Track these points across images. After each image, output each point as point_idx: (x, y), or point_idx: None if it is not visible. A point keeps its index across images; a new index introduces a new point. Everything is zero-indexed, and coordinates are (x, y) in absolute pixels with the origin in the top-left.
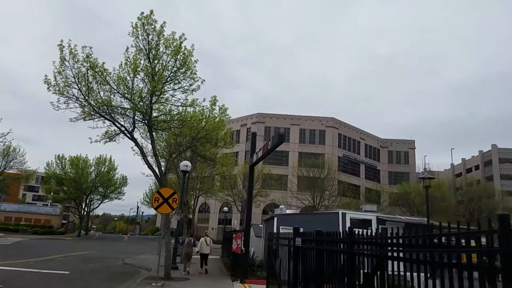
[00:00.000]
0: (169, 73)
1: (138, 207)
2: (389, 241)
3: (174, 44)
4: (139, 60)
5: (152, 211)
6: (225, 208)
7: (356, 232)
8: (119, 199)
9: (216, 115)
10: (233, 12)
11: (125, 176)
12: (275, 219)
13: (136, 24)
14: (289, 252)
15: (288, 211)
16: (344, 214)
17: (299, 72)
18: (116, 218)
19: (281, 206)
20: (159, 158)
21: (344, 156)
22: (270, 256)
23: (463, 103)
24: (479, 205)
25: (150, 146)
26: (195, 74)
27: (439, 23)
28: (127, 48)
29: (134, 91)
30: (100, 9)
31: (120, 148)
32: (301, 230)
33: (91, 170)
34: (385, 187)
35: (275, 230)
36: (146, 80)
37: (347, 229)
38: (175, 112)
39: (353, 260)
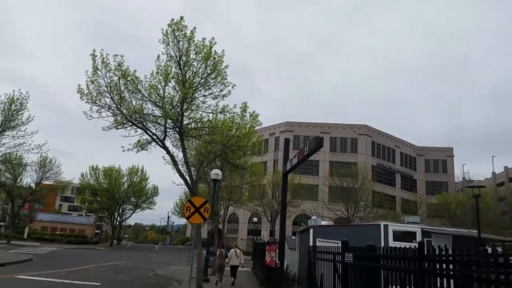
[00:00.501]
0: (199, 79)
1: (168, 217)
2: (479, 259)
3: (205, 50)
4: (170, 67)
5: (183, 221)
6: (255, 219)
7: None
8: (151, 208)
9: (246, 122)
10: (251, 22)
11: (156, 186)
12: (311, 231)
13: (166, 31)
14: (335, 269)
15: (323, 222)
16: (386, 226)
17: (322, 80)
18: (147, 228)
19: (313, 217)
20: (190, 166)
21: (378, 165)
22: (311, 272)
23: (504, 108)
24: None
25: (181, 155)
26: (225, 79)
27: (472, 27)
28: (158, 56)
29: (166, 99)
30: (125, 26)
31: (151, 159)
32: (340, 243)
33: (124, 180)
34: (422, 197)
35: (311, 243)
36: (177, 88)
37: (390, 242)
38: (205, 119)
39: (425, 282)
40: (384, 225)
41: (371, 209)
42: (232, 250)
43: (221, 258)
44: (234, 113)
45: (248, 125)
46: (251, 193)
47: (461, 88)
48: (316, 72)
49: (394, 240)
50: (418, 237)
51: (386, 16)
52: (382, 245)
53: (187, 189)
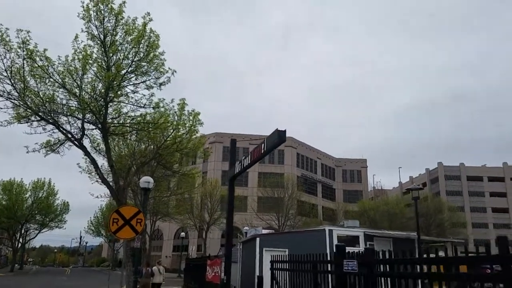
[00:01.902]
0: (130, 62)
1: (81, 237)
2: None
3: (137, 29)
4: (91, 48)
5: (97, 241)
6: (182, 233)
7: None
8: (60, 227)
9: (185, 120)
10: (187, 37)
11: (67, 202)
12: (257, 240)
13: (87, 5)
14: (315, 282)
15: (264, 231)
16: (331, 231)
17: (252, 97)
18: (56, 250)
19: (245, 228)
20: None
21: (302, 175)
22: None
23: (406, 125)
24: (434, 219)
25: (102, 161)
26: (162, 64)
27: (384, 56)
28: (76, 36)
29: (85, 87)
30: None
31: (61, 170)
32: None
33: (27, 195)
34: (341, 205)
35: (257, 254)
36: (99, 75)
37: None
38: (137, 114)
39: None
40: (329, 230)
41: (299, 217)
42: (155, 267)
43: (148, 277)
44: (171, 109)
45: (187, 124)
46: (182, 205)
47: (374, 108)
48: (247, 88)
49: None
50: (362, 241)
51: (315, 44)
52: (328, 250)
53: (105, 204)
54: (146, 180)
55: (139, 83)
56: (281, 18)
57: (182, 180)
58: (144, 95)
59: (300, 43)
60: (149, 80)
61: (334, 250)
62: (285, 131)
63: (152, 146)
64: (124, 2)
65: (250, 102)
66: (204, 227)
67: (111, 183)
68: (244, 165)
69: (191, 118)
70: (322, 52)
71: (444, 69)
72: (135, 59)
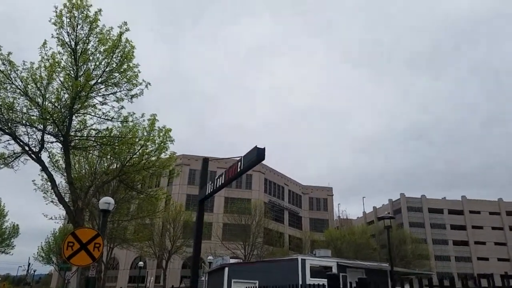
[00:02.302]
0: (101, 72)
1: (29, 264)
2: None
3: (111, 39)
4: (61, 56)
5: (46, 269)
6: (140, 263)
7: None
8: (7, 253)
9: (154, 137)
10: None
11: (16, 225)
12: (226, 270)
13: (61, 10)
14: None
15: (231, 260)
16: (303, 261)
17: (220, 119)
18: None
19: (209, 257)
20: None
21: (269, 201)
22: None
23: (373, 157)
24: (399, 251)
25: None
26: (136, 76)
27: (351, 87)
28: (45, 42)
29: (49, 95)
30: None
31: (10, 192)
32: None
33: None
34: (308, 234)
35: (225, 285)
36: (66, 84)
37: (307, 279)
38: (103, 128)
39: None
40: (301, 259)
41: (266, 247)
42: None
43: None
44: (140, 124)
45: (157, 141)
46: (142, 231)
47: (339, 137)
48: (214, 110)
49: (311, 276)
50: (334, 271)
51: (284, 67)
52: (300, 281)
53: (58, 227)
54: (106, 201)
55: (109, 94)
56: (250, 42)
57: (145, 202)
58: (114, 107)
59: (268, 68)
60: (120, 91)
61: (307, 282)
62: (264, 149)
63: (115, 165)
64: (100, 10)
65: (213, 126)
66: (164, 256)
67: (68, 203)
68: (217, 185)
69: (161, 134)
70: (290, 79)
71: (402, 105)
72: (106, 69)
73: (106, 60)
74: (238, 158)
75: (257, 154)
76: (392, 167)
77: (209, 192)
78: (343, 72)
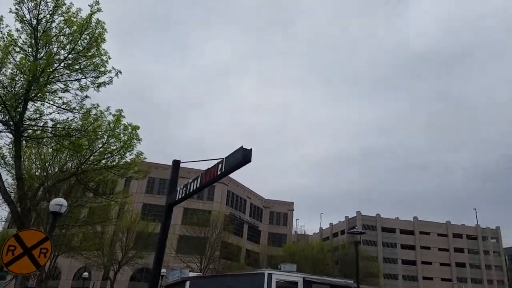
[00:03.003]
0: (66, 54)
1: None
2: None
3: (79, 20)
4: (18, 33)
5: None
6: (85, 273)
7: None
8: None
9: (119, 133)
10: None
11: None
12: (187, 284)
13: None
14: None
15: (191, 274)
16: (270, 275)
17: (184, 130)
18: None
19: (163, 270)
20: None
21: (230, 214)
22: None
23: (328, 175)
24: (351, 268)
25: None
26: (106, 62)
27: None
28: (1, 18)
29: (1, 77)
30: None
31: None
32: None
33: None
34: (265, 248)
35: None
36: (24, 65)
37: None
38: (63, 118)
39: None
40: (268, 273)
41: (223, 261)
42: None
43: None
44: (104, 118)
45: (123, 138)
46: (92, 239)
47: (301, 153)
48: (180, 121)
49: None
50: (300, 287)
51: (248, 87)
52: None
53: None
54: (58, 203)
55: (72, 81)
56: (212, 59)
57: (98, 208)
58: (77, 95)
59: (230, 85)
60: (85, 78)
61: None
62: (251, 150)
63: (70, 164)
64: None
65: (173, 136)
66: (113, 266)
67: (14, 201)
68: (191, 190)
69: (127, 132)
70: (252, 96)
71: (359, 127)
72: (72, 53)
73: (71, 44)
74: (218, 160)
75: (243, 156)
76: (350, 187)
77: (181, 196)
78: (301, 93)
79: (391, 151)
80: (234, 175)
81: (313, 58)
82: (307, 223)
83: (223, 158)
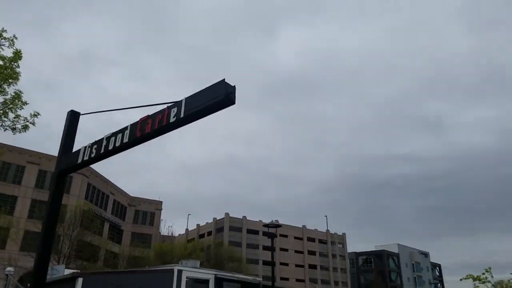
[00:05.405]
0: None
1: None
2: None
3: None
4: None
5: None
6: None
7: None
8: None
9: None
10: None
11: None
12: (80, 281)
13: None
14: None
15: (67, 271)
16: (180, 272)
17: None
18: None
19: (7, 269)
20: None
21: (90, 210)
22: None
23: (196, 179)
24: (227, 267)
25: None
26: None
27: None
28: None
29: None
30: None
31: None
32: None
33: None
34: (127, 249)
35: None
36: None
37: None
38: None
39: None
40: (178, 270)
41: (79, 262)
42: None
43: None
44: None
45: None
46: None
47: (168, 153)
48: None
49: None
50: (211, 285)
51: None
52: None
53: None
54: None
55: None
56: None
57: None
58: None
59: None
60: None
61: None
62: (234, 87)
63: None
64: None
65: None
66: None
67: None
68: (112, 147)
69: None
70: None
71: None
72: None
73: None
74: (171, 103)
75: (225, 92)
76: (217, 191)
77: (87, 158)
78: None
79: (256, 160)
80: (96, 167)
81: (189, 67)
82: (176, 224)
83: (184, 98)
